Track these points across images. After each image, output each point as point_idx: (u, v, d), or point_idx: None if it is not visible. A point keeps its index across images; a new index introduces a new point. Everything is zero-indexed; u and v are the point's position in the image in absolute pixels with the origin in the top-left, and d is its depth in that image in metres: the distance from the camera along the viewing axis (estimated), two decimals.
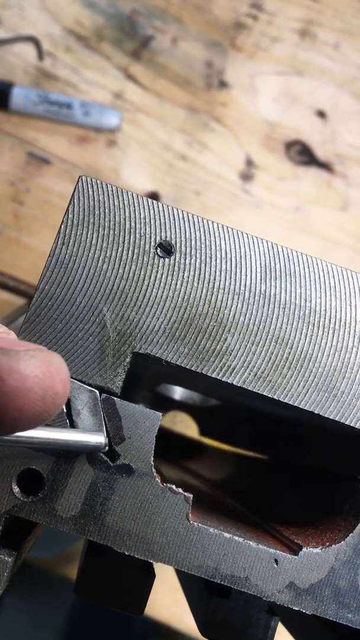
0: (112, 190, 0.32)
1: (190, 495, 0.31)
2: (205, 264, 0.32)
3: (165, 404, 0.66)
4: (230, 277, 0.32)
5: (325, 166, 0.99)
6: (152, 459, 0.31)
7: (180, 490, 0.31)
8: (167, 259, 0.32)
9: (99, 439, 0.30)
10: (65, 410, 0.31)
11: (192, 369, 0.32)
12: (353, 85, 1.01)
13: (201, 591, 0.36)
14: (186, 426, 0.73)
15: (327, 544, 0.31)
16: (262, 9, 1.00)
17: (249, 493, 0.52)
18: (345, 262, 0.96)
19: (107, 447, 0.31)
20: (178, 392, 0.66)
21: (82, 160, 0.93)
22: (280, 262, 0.33)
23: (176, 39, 0.98)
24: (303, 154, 0.99)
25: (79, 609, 1.14)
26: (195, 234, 0.32)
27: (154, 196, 0.94)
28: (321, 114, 1.00)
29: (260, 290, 0.32)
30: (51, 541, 0.77)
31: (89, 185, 0.32)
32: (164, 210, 0.32)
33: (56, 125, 0.93)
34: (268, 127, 0.98)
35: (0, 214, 0.90)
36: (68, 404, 0.31)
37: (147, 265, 0.32)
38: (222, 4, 1.00)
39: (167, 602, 0.81)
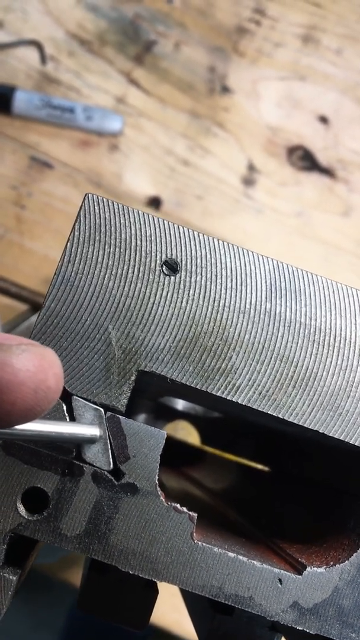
0: (118, 208, 0.32)
1: (195, 515, 0.31)
2: (211, 282, 0.32)
3: (168, 414, 0.66)
4: (236, 295, 0.32)
5: (327, 171, 0.99)
6: (157, 477, 0.31)
7: (184, 509, 0.31)
8: (172, 277, 0.32)
9: (93, 431, 0.30)
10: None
11: (197, 387, 0.32)
12: (355, 91, 1.01)
13: (204, 607, 0.37)
14: (187, 433, 0.73)
15: (331, 563, 0.32)
16: (265, 14, 1.00)
17: (251, 504, 0.52)
18: (347, 267, 0.96)
19: (111, 465, 0.31)
20: (180, 403, 0.66)
21: (84, 165, 0.93)
22: (285, 280, 0.33)
23: (179, 43, 0.98)
24: (305, 159, 0.99)
25: (78, 611, 1.14)
26: (201, 251, 0.32)
27: (156, 201, 0.94)
28: (323, 120, 1.00)
29: (266, 309, 0.32)
30: (53, 547, 0.77)
31: (95, 203, 0.32)
32: (169, 228, 0.32)
33: (58, 130, 0.93)
34: (270, 132, 0.98)
35: (2, 218, 0.90)
36: (73, 420, 0.31)
37: (152, 283, 0.32)
38: (225, 9, 0.99)
39: (168, 607, 0.81)
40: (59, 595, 1.17)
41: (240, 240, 0.94)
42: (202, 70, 0.98)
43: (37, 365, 0.23)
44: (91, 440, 0.30)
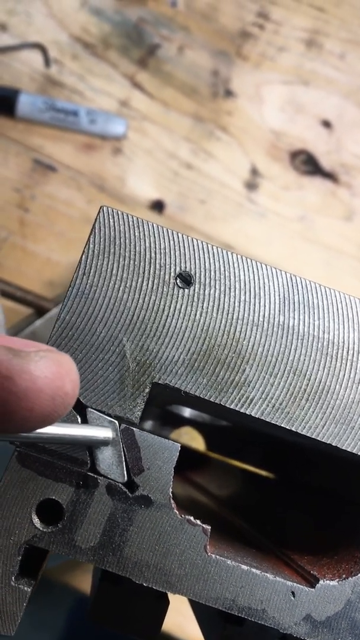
0: (133, 221, 0.32)
1: (209, 527, 0.31)
2: (225, 295, 0.32)
3: (175, 421, 0.66)
4: (249, 308, 0.32)
5: (330, 176, 0.99)
6: (171, 490, 0.31)
7: (198, 522, 0.31)
8: (186, 290, 0.32)
9: (106, 433, 0.31)
10: None
11: (210, 399, 0.32)
12: (358, 95, 1.01)
13: (214, 616, 0.37)
14: (191, 438, 0.73)
15: (344, 575, 0.32)
16: (269, 19, 1.00)
17: (256, 511, 0.52)
18: (349, 272, 0.96)
19: (126, 477, 0.31)
20: (188, 410, 0.66)
21: (87, 168, 0.93)
22: (298, 294, 0.33)
23: (182, 47, 0.98)
24: (308, 164, 0.99)
25: (78, 613, 1.14)
26: (215, 264, 0.32)
27: (159, 204, 0.94)
28: (326, 124, 1.00)
29: (279, 322, 0.32)
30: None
31: (110, 216, 0.32)
32: (183, 241, 0.32)
33: (62, 133, 0.93)
34: (273, 137, 0.98)
35: (6, 221, 0.90)
36: None
37: (166, 296, 0.32)
38: (229, 13, 1.00)
39: (170, 610, 0.81)
40: (59, 597, 1.17)
41: (243, 244, 0.95)
42: (205, 74, 0.98)
43: (54, 372, 0.23)
44: (104, 442, 0.31)
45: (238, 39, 1.00)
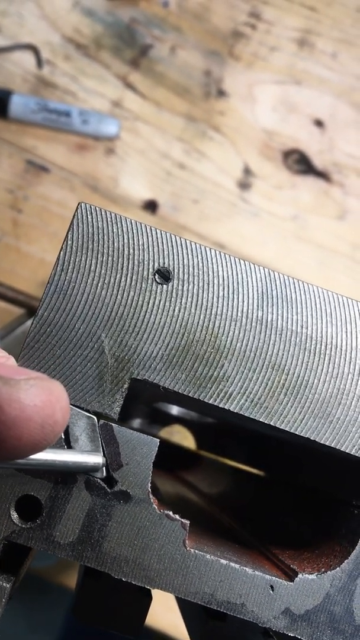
0: (111, 217, 0.32)
1: (187, 522, 0.31)
2: (203, 291, 0.32)
3: (163, 418, 0.66)
4: (228, 304, 0.32)
5: (322, 175, 0.99)
6: (150, 485, 0.31)
7: (177, 516, 0.31)
8: (165, 286, 0.32)
9: (96, 459, 0.31)
10: (63, 437, 0.31)
11: (189, 395, 0.32)
12: (351, 95, 1.01)
13: (197, 612, 0.37)
14: (183, 437, 0.74)
15: (323, 569, 0.32)
16: (261, 18, 1.00)
17: (246, 509, 0.52)
18: (342, 271, 0.97)
19: (104, 472, 0.31)
20: (175, 408, 0.66)
21: (80, 168, 0.93)
22: (277, 289, 0.33)
23: (175, 47, 0.98)
24: (301, 163, 0.99)
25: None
26: (193, 260, 0.33)
27: (152, 204, 0.94)
28: (319, 123, 1.00)
29: (257, 317, 0.32)
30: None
31: (88, 212, 0.32)
32: (162, 237, 0.33)
33: (55, 133, 0.93)
34: (266, 136, 0.98)
35: None
36: (66, 430, 0.31)
37: (145, 292, 0.32)
38: (221, 13, 1.00)
39: (163, 609, 0.81)
40: (56, 598, 1.17)
41: (236, 244, 0.95)
42: (198, 74, 0.98)
43: (44, 400, 0.23)
44: (94, 469, 0.31)
45: (230, 39, 1.00)
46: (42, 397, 0.23)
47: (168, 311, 0.32)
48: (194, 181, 0.96)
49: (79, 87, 0.95)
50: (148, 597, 0.35)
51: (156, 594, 0.35)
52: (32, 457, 0.27)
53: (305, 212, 0.98)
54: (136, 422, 0.66)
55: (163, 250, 0.32)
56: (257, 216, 0.96)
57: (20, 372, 0.25)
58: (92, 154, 0.94)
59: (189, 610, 0.39)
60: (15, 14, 0.95)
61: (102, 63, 0.96)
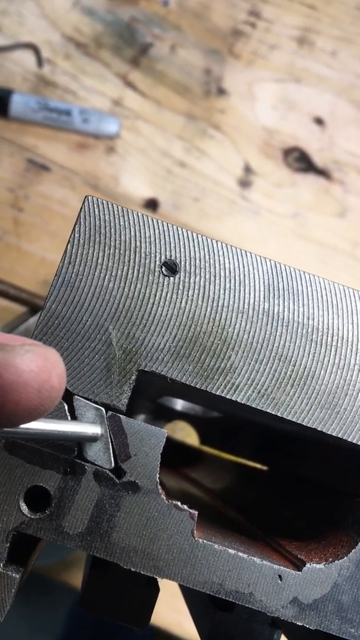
0: (118, 210, 0.33)
1: (196, 512, 0.31)
2: (210, 283, 0.33)
3: (167, 414, 0.66)
4: (234, 296, 0.33)
5: (322, 173, 0.99)
6: (158, 476, 0.31)
7: (185, 507, 0.31)
8: (172, 278, 0.32)
9: (95, 429, 0.31)
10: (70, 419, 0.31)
11: (196, 386, 0.32)
12: (351, 93, 1.01)
13: (205, 604, 0.37)
14: (186, 434, 0.74)
15: (330, 559, 0.32)
16: (260, 17, 1.01)
17: (250, 503, 0.52)
18: (343, 269, 0.97)
19: (113, 463, 0.31)
20: (179, 403, 0.66)
21: (81, 167, 0.93)
22: (283, 281, 0.33)
23: (175, 46, 0.98)
24: (301, 161, 0.99)
25: (77, 614, 1.14)
26: (200, 252, 0.33)
27: (153, 203, 0.94)
28: (319, 121, 1.00)
29: (264, 309, 0.33)
30: (52, 548, 0.78)
31: (95, 205, 0.32)
32: (168, 230, 0.33)
33: (55, 132, 0.93)
34: (266, 134, 0.99)
35: (0, 221, 0.91)
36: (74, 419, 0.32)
37: (152, 284, 0.32)
38: (221, 12, 1.00)
39: (167, 608, 0.82)
40: (57, 598, 1.17)
41: (236, 241, 0.95)
42: (198, 72, 0.98)
43: (40, 365, 0.23)
44: (93, 439, 0.31)
45: (230, 37, 1.00)
46: (37, 362, 0.23)
47: (175, 303, 0.32)
48: (195, 179, 0.96)
49: (79, 86, 0.95)
50: (155, 589, 0.35)
51: (160, 593, 0.35)
52: (31, 426, 0.27)
53: (306, 210, 0.98)
54: (140, 418, 0.66)
55: (170, 243, 0.33)
56: (258, 214, 0.97)
57: (16, 338, 0.25)
58: (92, 152, 0.94)
59: (196, 602, 0.39)
60: (16, 13, 0.95)
61: (102, 62, 0.96)
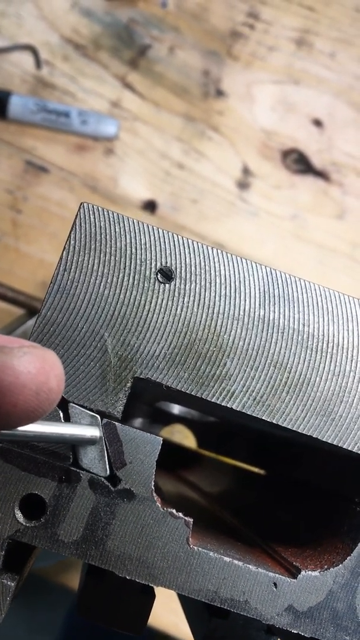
0: (113, 217, 0.32)
1: (191, 520, 0.31)
2: (205, 290, 0.33)
3: (164, 418, 0.66)
4: (230, 303, 0.33)
5: (321, 174, 0.99)
6: (153, 483, 0.31)
7: (180, 514, 0.31)
8: (167, 285, 0.32)
9: (93, 432, 0.31)
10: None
11: (192, 393, 0.32)
12: (349, 94, 1.01)
13: (200, 610, 0.37)
14: (184, 436, 0.74)
15: (325, 566, 0.32)
16: (259, 18, 1.01)
17: (247, 507, 0.52)
18: (342, 270, 0.97)
19: (108, 471, 0.31)
20: (177, 407, 0.66)
21: (80, 169, 0.93)
22: (278, 288, 0.33)
23: (173, 47, 0.98)
24: (299, 163, 0.99)
25: (75, 615, 1.14)
26: (195, 259, 0.33)
27: (152, 204, 0.94)
28: (317, 123, 1.00)
29: (259, 315, 0.33)
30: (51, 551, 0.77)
31: (91, 212, 0.32)
32: (164, 236, 0.33)
33: (54, 134, 0.93)
34: (265, 136, 0.99)
35: None
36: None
37: (147, 291, 0.32)
38: (219, 13, 1.00)
39: (165, 610, 0.82)
40: (56, 599, 1.17)
41: (235, 243, 0.95)
42: (196, 74, 0.98)
43: (38, 367, 0.23)
44: (91, 441, 0.31)
45: (228, 39, 1.00)
46: (35, 364, 0.23)
47: (170, 310, 0.32)
48: (193, 181, 0.96)
49: (78, 88, 0.95)
50: (151, 595, 0.35)
51: (158, 595, 0.35)
52: (29, 428, 0.27)
53: (304, 212, 0.98)
54: (137, 422, 0.66)
55: (165, 250, 0.33)
56: (256, 216, 0.97)
57: (14, 340, 0.25)
58: (91, 154, 0.94)
59: (192, 608, 0.39)
60: (14, 15, 0.95)
61: (100, 63, 0.96)
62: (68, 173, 0.93)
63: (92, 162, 0.94)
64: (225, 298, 0.33)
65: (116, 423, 0.32)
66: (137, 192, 0.94)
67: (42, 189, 0.92)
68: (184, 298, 0.32)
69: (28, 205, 0.92)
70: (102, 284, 0.32)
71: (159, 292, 0.32)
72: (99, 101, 0.95)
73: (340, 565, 0.32)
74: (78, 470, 0.31)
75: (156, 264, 0.32)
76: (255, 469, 0.58)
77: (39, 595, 1.16)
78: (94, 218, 0.32)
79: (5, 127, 0.92)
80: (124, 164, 0.95)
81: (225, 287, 0.33)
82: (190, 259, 0.33)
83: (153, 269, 0.32)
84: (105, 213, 0.32)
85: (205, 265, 0.33)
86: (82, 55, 0.96)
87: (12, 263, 0.90)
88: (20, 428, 0.26)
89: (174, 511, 0.31)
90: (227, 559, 0.31)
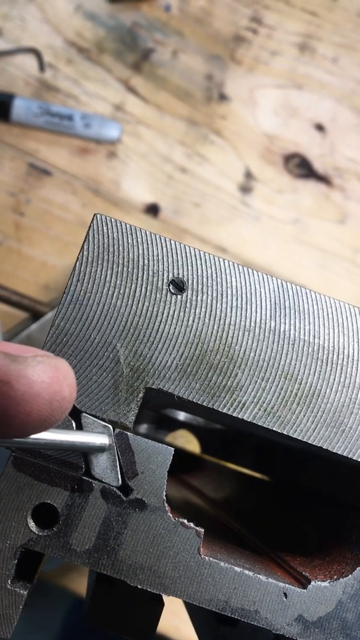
0: (126, 228, 0.33)
1: (202, 530, 0.31)
2: (217, 301, 0.33)
3: (170, 424, 0.67)
4: (241, 314, 0.33)
5: (323, 179, 0.99)
6: (165, 493, 0.31)
7: (191, 525, 0.31)
8: (179, 296, 0.33)
9: (103, 439, 0.31)
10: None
11: (203, 404, 0.32)
12: (351, 99, 1.01)
13: (208, 617, 0.37)
14: (186, 441, 0.74)
15: (335, 577, 0.32)
16: (262, 23, 1.01)
17: (252, 515, 0.52)
18: (343, 275, 0.97)
19: (120, 481, 0.32)
20: (182, 414, 0.66)
21: (82, 172, 0.94)
22: (289, 299, 0.33)
23: (176, 51, 0.98)
24: (302, 167, 0.99)
25: (75, 616, 1.14)
26: (207, 271, 0.33)
27: (154, 208, 0.94)
28: (320, 128, 1.00)
29: (270, 327, 0.33)
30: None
31: (104, 223, 0.33)
32: (176, 248, 0.33)
33: (57, 137, 0.94)
34: (267, 140, 0.99)
35: (1, 225, 0.91)
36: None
37: (159, 302, 0.32)
38: (223, 18, 1.00)
39: (165, 612, 0.82)
40: (55, 601, 1.17)
41: (237, 247, 0.95)
42: (199, 78, 0.99)
43: (51, 376, 0.24)
44: (101, 449, 0.31)
45: (232, 43, 1.00)
46: (49, 373, 0.24)
47: (182, 321, 0.32)
48: (196, 185, 0.96)
49: (81, 91, 0.95)
50: (160, 604, 0.35)
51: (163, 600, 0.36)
52: (41, 436, 0.27)
53: (306, 216, 0.98)
54: (143, 427, 0.66)
55: (177, 261, 0.33)
56: (258, 220, 0.97)
57: (28, 350, 0.25)
58: (94, 157, 0.94)
59: (199, 616, 0.39)
60: (18, 18, 0.95)
61: (104, 67, 0.96)
62: (71, 176, 0.93)
63: (95, 166, 0.94)
64: (237, 309, 0.33)
65: (128, 433, 0.32)
66: (139, 195, 0.94)
67: (44, 192, 0.92)
68: (195, 309, 0.33)
69: (31, 207, 0.92)
70: (114, 295, 0.32)
71: (170, 303, 0.33)
72: (102, 104, 0.95)
73: (350, 575, 0.32)
74: (90, 480, 0.31)
75: (168, 275, 0.33)
76: (260, 476, 0.58)
77: (39, 597, 1.16)
78: (107, 229, 0.33)
79: (9, 130, 0.92)
80: (126, 168, 0.95)
81: (237, 299, 0.33)
82: (201, 270, 0.33)
83: (165, 280, 0.33)
84: (118, 224, 0.33)
85: (216, 276, 0.33)
86: (86, 59, 0.96)
87: (15, 266, 0.90)
88: (33, 436, 0.27)
89: (185, 521, 0.31)
90: (237, 569, 0.31)
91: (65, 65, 0.95)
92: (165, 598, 0.34)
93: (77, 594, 0.89)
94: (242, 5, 1.01)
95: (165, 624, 0.84)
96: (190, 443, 0.73)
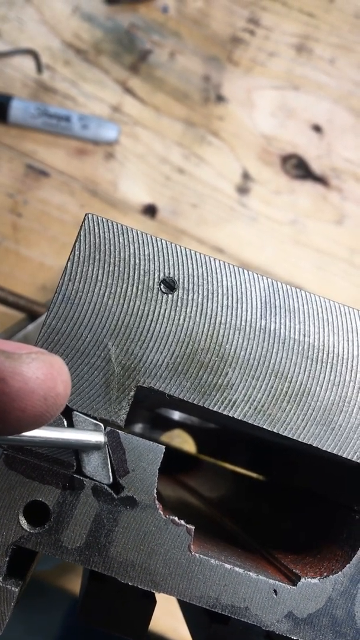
0: (118, 228, 0.33)
1: (192, 527, 0.32)
2: (207, 300, 0.33)
3: (164, 424, 0.67)
4: (232, 313, 0.33)
5: (320, 180, 1.00)
6: (156, 491, 0.32)
7: (182, 522, 0.32)
8: (170, 295, 0.33)
9: (98, 437, 0.31)
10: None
11: (194, 402, 0.32)
12: (349, 100, 1.02)
13: (200, 615, 0.37)
14: (183, 441, 0.74)
15: (325, 574, 0.32)
16: (259, 24, 1.01)
17: (246, 513, 0.53)
18: (341, 275, 0.97)
19: (111, 479, 0.32)
20: (177, 413, 0.67)
21: (80, 173, 0.94)
22: (279, 298, 0.33)
23: (174, 53, 0.99)
24: (299, 168, 1.00)
25: (73, 617, 1.14)
26: (198, 270, 0.33)
27: (152, 209, 0.95)
28: (317, 129, 1.01)
29: (261, 326, 0.33)
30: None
31: (95, 223, 0.33)
32: (167, 247, 0.33)
33: (54, 138, 0.94)
34: (264, 141, 0.99)
35: None
36: None
37: (150, 301, 0.33)
38: (220, 19, 1.00)
39: (163, 613, 0.82)
40: (53, 602, 1.17)
41: (235, 248, 0.95)
42: (196, 79, 0.99)
43: (46, 373, 0.24)
44: (96, 447, 0.31)
45: (229, 44, 1.00)
46: (43, 370, 0.24)
47: (173, 320, 0.33)
48: (193, 186, 0.96)
49: (79, 92, 0.96)
50: (152, 601, 0.36)
51: (157, 599, 0.36)
52: (35, 433, 0.27)
53: (304, 217, 0.98)
54: (138, 427, 0.66)
55: (168, 261, 0.33)
56: (256, 221, 0.97)
57: (22, 347, 0.25)
58: (91, 158, 0.94)
59: (192, 614, 0.40)
60: (15, 19, 0.96)
61: (101, 68, 0.97)
62: (68, 177, 0.93)
63: (93, 167, 0.94)
64: (227, 308, 0.33)
65: (119, 431, 0.32)
66: (137, 196, 0.95)
67: (42, 193, 0.93)
68: (186, 308, 0.33)
69: (28, 208, 0.92)
70: (106, 294, 0.32)
71: (162, 302, 0.33)
72: (99, 106, 0.95)
73: (340, 572, 0.32)
74: (81, 478, 0.31)
75: (159, 275, 0.33)
76: (255, 475, 0.58)
77: (37, 598, 1.17)
78: (99, 229, 0.33)
79: (6, 131, 0.93)
80: (124, 169, 0.95)
81: (227, 298, 0.33)
82: (192, 269, 0.33)
83: (156, 280, 0.33)
84: (110, 224, 0.33)
85: (207, 276, 0.33)
86: (83, 60, 0.96)
87: (13, 266, 0.90)
88: (27, 433, 0.27)
89: (175, 518, 0.32)
90: (228, 566, 0.32)
91: (62, 67, 0.96)
92: (162, 599, 0.34)
93: (75, 595, 0.89)
94: (239, 6, 1.01)
95: (163, 625, 0.84)
96: (186, 443, 0.73)
